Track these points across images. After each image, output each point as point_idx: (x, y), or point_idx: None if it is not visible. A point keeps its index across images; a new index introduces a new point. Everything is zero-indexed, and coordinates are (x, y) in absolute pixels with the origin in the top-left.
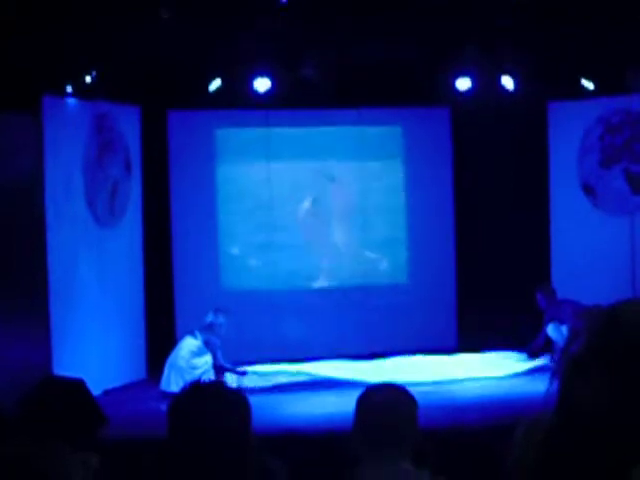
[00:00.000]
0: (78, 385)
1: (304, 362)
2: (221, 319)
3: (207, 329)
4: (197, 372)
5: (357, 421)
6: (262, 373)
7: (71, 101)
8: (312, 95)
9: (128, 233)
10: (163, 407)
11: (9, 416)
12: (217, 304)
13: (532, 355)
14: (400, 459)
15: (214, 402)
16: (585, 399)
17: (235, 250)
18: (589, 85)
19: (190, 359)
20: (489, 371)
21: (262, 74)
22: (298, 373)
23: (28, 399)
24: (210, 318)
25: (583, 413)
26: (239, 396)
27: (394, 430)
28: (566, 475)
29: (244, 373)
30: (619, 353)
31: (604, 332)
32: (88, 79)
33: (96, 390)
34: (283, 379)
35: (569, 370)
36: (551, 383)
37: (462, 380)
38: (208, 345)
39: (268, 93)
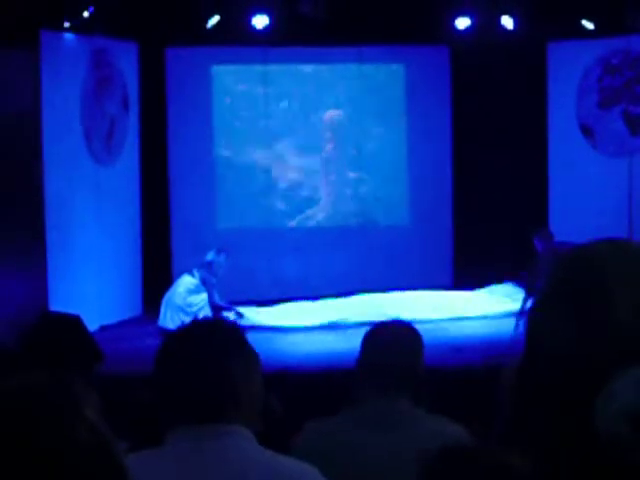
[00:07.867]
0: (74, 321)
1: (301, 300)
2: (222, 259)
3: (205, 267)
4: (193, 309)
5: (363, 358)
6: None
7: (69, 36)
8: (310, 32)
9: (125, 171)
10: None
11: (10, 351)
12: (219, 244)
13: (530, 293)
14: (402, 396)
15: (211, 337)
16: (549, 337)
17: (232, 189)
18: (589, 25)
19: (187, 297)
20: (485, 307)
21: (260, 10)
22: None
23: (25, 335)
24: (211, 257)
25: (547, 351)
26: (237, 331)
27: (400, 367)
28: (535, 416)
29: (241, 315)
30: (581, 289)
31: (567, 269)
32: (86, 14)
33: (92, 326)
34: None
35: (535, 309)
36: (518, 324)
37: (459, 318)
38: (205, 283)
39: (266, 30)
